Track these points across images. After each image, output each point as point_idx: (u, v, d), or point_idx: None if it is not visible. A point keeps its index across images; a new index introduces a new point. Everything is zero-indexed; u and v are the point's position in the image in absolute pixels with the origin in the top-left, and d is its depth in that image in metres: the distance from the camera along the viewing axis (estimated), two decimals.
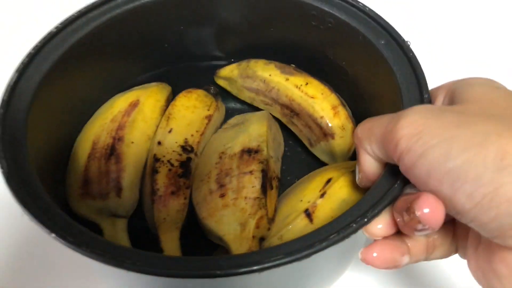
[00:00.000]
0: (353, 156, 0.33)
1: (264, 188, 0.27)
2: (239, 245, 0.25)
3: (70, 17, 0.30)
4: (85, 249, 0.20)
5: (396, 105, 0.26)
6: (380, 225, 0.21)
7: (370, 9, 0.30)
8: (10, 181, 0.22)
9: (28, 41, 0.29)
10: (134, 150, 0.30)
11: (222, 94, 0.37)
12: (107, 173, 0.29)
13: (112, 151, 0.29)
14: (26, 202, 0.21)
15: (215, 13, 0.34)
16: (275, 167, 0.31)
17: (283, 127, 0.36)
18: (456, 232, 0.22)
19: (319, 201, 0.28)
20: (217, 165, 0.29)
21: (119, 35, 0.32)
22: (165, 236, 0.27)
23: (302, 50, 0.35)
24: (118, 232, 0.28)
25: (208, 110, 0.34)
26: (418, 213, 0.18)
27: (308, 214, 0.27)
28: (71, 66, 0.30)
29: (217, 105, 0.35)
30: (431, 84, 0.26)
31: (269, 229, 0.27)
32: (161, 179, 0.28)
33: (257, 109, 0.37)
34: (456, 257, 0.23)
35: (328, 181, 0.29)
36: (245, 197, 0.27)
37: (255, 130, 0.32)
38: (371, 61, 0.29)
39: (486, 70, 0.42)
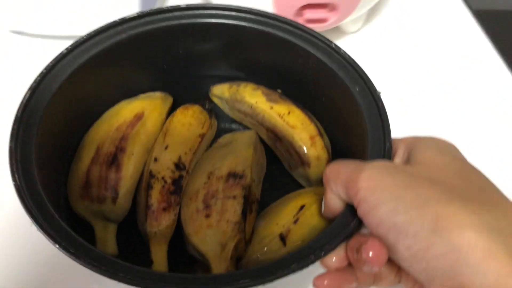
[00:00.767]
0: None
1: (245, 213, 0.31)
2: (218, 263, 0.29)
3: (79, 39, 0.33)
4: (84, 261, 0.23)
5: (364, 146, 0.30)
6: (334, 258, 0.25)
7: (349, 57, 0.33)
8: (22, 196, 0.25)
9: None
10: (133, 162, 0.34)
11: (216, 107, 0.41)
12: (107, 180, 0.32)
13: (114, 160, 0.33)
14: (35, 216, 0.25)
15: (210, 41, 0.37)
16: (256, 191, 0.34)
17: (268, 147, 0.40)
18: (400, 269, 0.26)
19: (292, 226, 0.31)
20: (205, 185, 0.33)
21: (125, 55, 0.36)
22: (155, 248, 0.31)
23: (289, 78, 0.38)
24: (107, 235, 0.32)
25: (202, 128, 0.37)
26: (364, 255, 0.22)
27: (282, 237, 0.31)
28: (80, 82, 0.33)
29: (210, 123, 0.38)
30: (395, 132, 0.30)
31: (245, 250, 0.30)
32: (155, 195, 0.32)
33: (246, 127, 0.40)
34: None
35: (302, 207, 0.32)
36: (227, 220, 0.31)
37: (242, 153, 0.35)
38: (346, 103, 0.33)
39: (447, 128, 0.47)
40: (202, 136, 0.36)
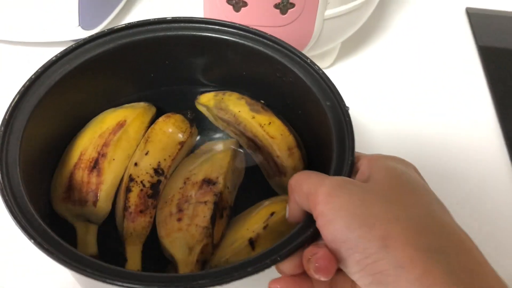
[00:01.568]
0: None
1: (213, 219, 0.33)
2: (185, 265, 0.31)
3: (68, 47, 0.35)
4: (56, 257, 0.25)
5: (330, 157, 0.32)
6: (289, 264, 0.26)
7: (323, 72, 0.35)
8: (4, 195, 0.27)
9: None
10: (114, 167, 0.36)
11: (202, 116, 0.43)
12: (88, 184, 0.34)
13: (95, 165, 0.35)
14: (15, 214, 0.27)
15: (195, 53, 0.39)
16: (229, 197, 0.36)
17: (249, 155, 0.41)
18: None
19: (262, 231, 0.33)
20: (181, 190, 0.35)
21: (112, 64, 0.37)
22: (130, 248, 0.33)
23: (270, 90, 0.40)
24: (88, 236, 0.34)
25: (182, 136, 0.39)
26: (313, 265, 0.24)
27: (251, 242, 0.33)
28: (67, 89, 0.35)
29: (191, 132, 0.40)
30: (358, 147, 0.31)
31: (212, 253, 0.32)
32: (133, 198, 0.34)
33: (229, 135, 0.42)
34: None
35: (272, 214, 0.34)
36: (196, 225, 0.32)
37: (218, 161, 0.37)
38: (319, 117, 0.34)
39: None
40: (181, 143, 0.38)
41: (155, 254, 0.34)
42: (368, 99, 0.53)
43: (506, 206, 0.46)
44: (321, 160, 0.37)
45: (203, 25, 0.38)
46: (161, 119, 0.39)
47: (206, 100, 0.42)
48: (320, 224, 0.25)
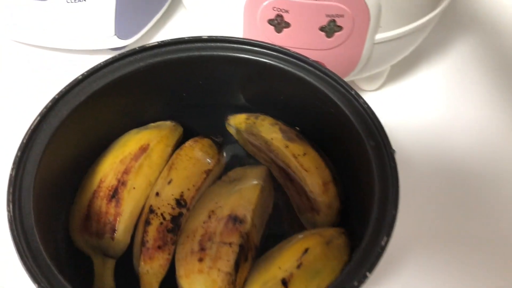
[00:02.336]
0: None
1: (238, 264, 0.30)
2: None
3: (95, 66, 0.33)
4: None
5: (370, 208, 0.28)
6: None
7: (368, 107, 0.31)
8: (13, 229, 0.26)
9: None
10: (134, 196, 0.33)
11: (231, 138, 0.40)
12: (106, 214, 0.32)
13: (115, 194, 0.33)
14: (23, 255, 0.25)
15: (231, 74, 0.37)
16: (256, 237, 0.33)
17: (279, 187, 0.38)
18: None
19: (295, 271, 0.30)
20: (204, 224, 0.32)
21: (141, 84, 0.35)
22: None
23: (307, 118, 0.37)
24: (106, 271, 0.32)
25: (209, 163, 0.36)
26: None
27: (284, 283, 0.30)
28: (92, 110, 0.33)
29: (218, 158, 0.37)
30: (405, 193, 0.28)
31: None
32: (152, 232, 0.32)
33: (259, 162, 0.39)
34: None
35: (306, 250, 0.31)
36: (219, 269, 0.30)
37: (247, 194, 0.34)
38: (360, 156, 0.31)
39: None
40: (207, 172, 0.35)
41: None
42: (420, 129, 0.49)
43: None
44: (359, 200, 0.33)
45: (241, 46, 0.35)
46: (187, 143, 0.36)
47: (237, 122, 0.39)
48: None
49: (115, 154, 0.35)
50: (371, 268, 0.25)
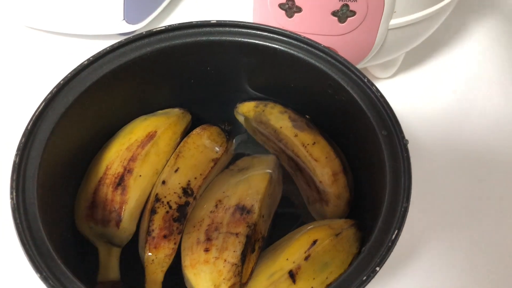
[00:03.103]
0: None
1: (244, 255, 0.29)
2: None
3: (101, 51, 0.32)
4: None
5: (382, 198, 0.27)
6: None
7: (381, 95, 0.30)
8: (16, 216, 0.25)
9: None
10: (140, 184, 0.33)
11: (240, 127, 0.39)
12: (112, 202, 0.32)
13: (120, 181, 0.32)
14: (25, 242, 0.24)
15: (240, 60, 0.35)
16: (263, 227, 0.32)
17: (288, 175, 0.37)
18: None
19: (303, 263, 0.29)
20: (211, 214, 0.32)
21: (149, 69, 0.34)
22: (150, 277, 0.30)
23: (318, 106, 0.36)
24: (111, 259, 0.31)
25: (218, 150, 0.36)
26: None
27: (292, 275, 0.29)
28: (97, 96, 0.32)
29: (226, 147, 0.36)
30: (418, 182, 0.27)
31: None
32: (158, 221, 0.31)
33: (268, 151, 0.38)
34: None
35: (314, 242, 0.30)
36: (225, 260, 0.29)
37: (255, 184, 0.33)
38: (372, 145, 0.30)
39: None
40: (215, 160, 0.35)
41: (177, 283, 0.31)
42: (434, 118, 0.47)
43: None
44: (370, 191, 0.33)
45: (251, 31, 0.34)
46: (195, 131, 0.36)
47: (246, 110, 0.38)
48: None
49: (121, 141, 0.34)
50: (380, 263, 0.24)
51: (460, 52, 0.52)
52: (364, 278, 0.24)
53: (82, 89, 0.31)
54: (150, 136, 0.34)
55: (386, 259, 0.24)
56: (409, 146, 0.28)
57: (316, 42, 0.33)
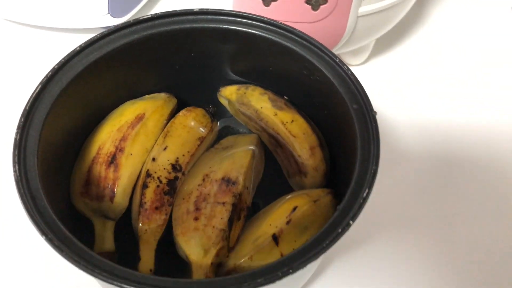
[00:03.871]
0: None
1: (231, 221, 0.32)
2: (199, 267, 0.30)
3: (92, 38, 0.35)
4: (66, 255, 0.25)
5: (353, 162, 0.30)
6: None
7: (352, 73, 0.33)
8: (19, 187, 0.27)
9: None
10: (131, 162, 0.35)
11: (223, 109, 0.42)
12: (105, 179, 0.34)
13: (113, 160, 0.34)
14: (29, 208, 0.26)
15: (222, 46, 0.38)
16: (248, 198, 0.35)
17: (269, 152, 0.40)
18: None
19: (285, 227, 0.32)
20: (199, 187, 0.34)
21: (136, 55, 0.37)
22: (143, 246, 0.33)
23: (295, 87, 0.39)
24: (106, 232, 0.34)
25: (203, 131, 0.38)
26: None
27: (275, 237, 0.32)
28: (89, 80, 0.34)
29: (211, 127, 0.39)
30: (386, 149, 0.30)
31: (227, 256, 0.32)
32: (149, 194, 0.34)
33: (250, 130, 0.41)
34: None
35: (294, 208, 0.33)
36: (213, 226, 0.32)
37: (239, 159, 0.36)
38: (344, 119, 0.33)
39: None
40: (201, 139, 0.37)
41: (169, 253, 0.33)
42: (403, 97, 0.51)
43: None
44: (344, 163, 0.35)
45: (231, 18, 0.36)
46: (181, 113, 0.38)
47: (228, 94, 0.41)
48: None
49: (112, 123, 0.36)
50: (354, 217, 0.27)
51: (426, 39, 0.56)
52: (340, 230, 0.26)
53: (75, 73, 0.33)
54: (139, 118, 0.36)
55: (359, 215, 0.27)
56: (377, 118, 0.31)
57: (292, 27, 0.35)
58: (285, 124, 0.38)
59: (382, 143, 0.30)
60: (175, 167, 0.35)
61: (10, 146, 0.29)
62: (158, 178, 0.34)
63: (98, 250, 0.34)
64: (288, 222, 0.32)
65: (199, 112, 0.39)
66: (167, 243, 0.34)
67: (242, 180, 0.34)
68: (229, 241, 0.32)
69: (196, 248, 0.31)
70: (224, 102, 0.41)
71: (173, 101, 0.40)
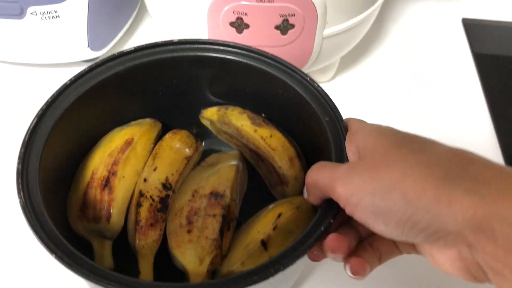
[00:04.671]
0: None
1: (222, 231, 0.35)
2: (196, 275, 0.33)
3: (81, 71, 0.37)
4: (78, 271, 0.27)
5: None
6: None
7: (322, 89, 0.37)
8: (26, 212, 0.29)
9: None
10: (124, 184, 0.37)
11: (206, 129, 0.45)
12: (101, 201, 0.36)
13: (107, 183, 0.37)
14: (36, 230, 0.29)
15: (200, 72, 0.41)
16: (235, 209, 0.38)
17: (251, 167, 0.43)
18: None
19: (272, 232, 0.35)
20: (189, 202, 0.37)
21: (122, 85, 0.40)
22: (142, 260, 0.35)
23: (271, 105, 0.42)
24: (104, 251, 0.36)
25: (188, 151, 0.41)
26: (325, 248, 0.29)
27: (264, 243, 0.35)
28: (80, 110, 0.37)
29: (196, 146, 0.42)
30: None
31: (221, 263, 0.34)
32: (143, 212, 0.36)
33: (232, 148, 0.44)
34: None
35: (279, 215, 0.36)
36: (206, 237, 0.34)
37: (224, 174, 0.39)
38: (318, 130, 0.36)
39: None
40: (188, 158, 0.40)
41: (166, 265, 0.36)
42: (368, 108, 0.55)
43: None
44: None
45: (208, 46, 0.40)
46: (167, 135, 0.41)
47: (210, 115, 0.44)
48: (349, 211, 0.28)
49: (103, 149, 0.39)
50: (334, 216, 0.30)
51: (386, 51, 0.61)
52: (322, 229, 0.30)
53: (67, 105, 0.36)
54: (128, 143, 0.39)
55: (338, 215, 0.30)
56: None
57: (264, 51, 0.39)
58: (264, 139, 0.41)
59: None
60: (166, 185, 0.38)
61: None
62: (150, 197, 0.37)
63: None
64: (274, 228, 0.35)
65: (183, 133, 0.42)
66: (163, 256, 0.36)
67: (229, 193, 0.37)
68: (222, 250, 0.35)
69: (191, 258, 0.34)
70: (206, 123, 0.44)
71: (158, 125, 0.43)
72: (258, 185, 0.42)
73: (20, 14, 0.45)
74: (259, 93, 0.42)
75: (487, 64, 0.61)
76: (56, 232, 0.29)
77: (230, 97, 0.44)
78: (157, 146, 0.40)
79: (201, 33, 0.45)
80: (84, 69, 0.38)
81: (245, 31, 0.44)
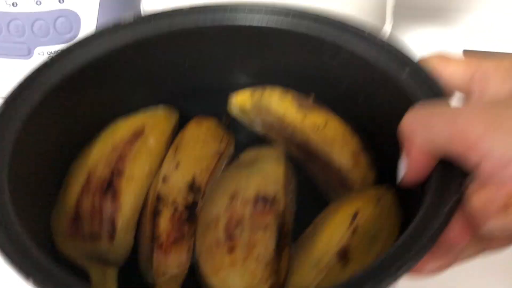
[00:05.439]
0: None
1: (279, 249, 0.25)
2: None
3: (67, 47, 0.28)
4: None
5: None
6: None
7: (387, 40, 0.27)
8: None
9: None
10: (133, 187, 0.28)
11: (235, 120, 0.35)
12: (101, 211, 0.26)
13: (109, 186, 0.27)
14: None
15: (221, 48, 0.32)
16: (290, 219, 0.28)
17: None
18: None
19: (351, 239, 0.25)
20: (228, 209, 0.27)
21: (120, 67, 0.30)
22: None
23: (318, 80, 0.32)
24: (106, 282, 0.26)
25: (220, 144, 0.31)
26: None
27: (341, 256, 0.25)
28: (67, 96, 0.28)
29: (229, 139, 0.32)
30: None
31: None
32: (164, 223, 0.26)
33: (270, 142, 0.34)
34: None
35: (355, 215, 0.26)
36: (257, 258, 0.24)
37: (271, 172, 0.29)
38: (391, 94, 0.27)
39: None
40: (220, 153, 0.30)
41: None
42: None
43: None
44: (395, 156, 0.28)
45: (227, 14, 0.31)
46: (191, 124, 0.31)
47: (241, 101, 0.34)
48: (492, 167, 0.19)
49: (103, 142, 0.29)
50: (459, 188, 0.20)
51: None
52: (446, 211, 0.20)
53: (46, 89, 0.26)
54: (138, 134, 0.30)
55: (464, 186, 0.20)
56: None
57: (301, 10, 0.30)
58: (317, 130, 0.31)
59: None
60: (193, 188, 0.27)
61: None
62: (173, 202, 0.26)
63: None
64: (354, 232, 0.25)
65: (212, 122, 0.32)
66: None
67: (283, 196, 0.27)
68: (280, 275, 0.24)
69: None
70: (236, 112, 0.34)
71: (175, 115, 0.33)
72: (307, 186, 0.32)
73: (28, 54, 0.46)
74: (301, 68, 0.32)
75: None
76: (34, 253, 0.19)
77: (264, 78, 0.34)
78: (178, 137, 0.30)
79: None
80: (69, 45, 0.28)
81: None
